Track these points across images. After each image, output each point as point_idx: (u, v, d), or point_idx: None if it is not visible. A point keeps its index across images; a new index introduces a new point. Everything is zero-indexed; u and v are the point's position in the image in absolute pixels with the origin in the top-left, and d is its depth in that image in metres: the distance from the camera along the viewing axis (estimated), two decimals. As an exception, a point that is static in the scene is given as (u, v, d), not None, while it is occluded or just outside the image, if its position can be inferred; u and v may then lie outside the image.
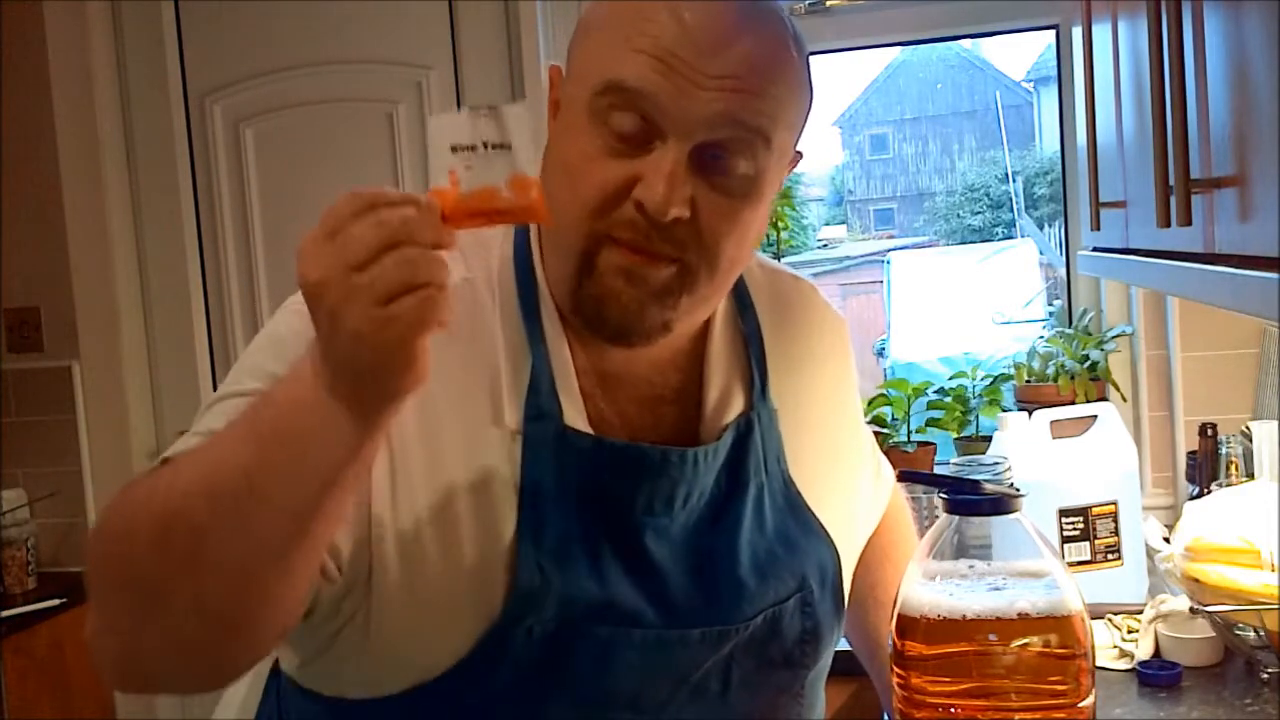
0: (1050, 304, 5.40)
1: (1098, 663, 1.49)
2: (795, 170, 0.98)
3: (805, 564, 0.99)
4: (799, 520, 1.00)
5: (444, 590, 0.87)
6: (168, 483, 0.74)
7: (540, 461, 0.88)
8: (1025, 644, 0.90)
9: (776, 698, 1.00)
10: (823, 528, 1.01)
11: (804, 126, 0.93)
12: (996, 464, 0.96)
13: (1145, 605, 1.72)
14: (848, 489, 1.09)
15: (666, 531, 0.92)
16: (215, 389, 3.28)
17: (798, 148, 0.94)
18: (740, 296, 1.03)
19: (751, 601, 0.95)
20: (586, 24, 0.89)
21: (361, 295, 0.65)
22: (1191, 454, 2.10)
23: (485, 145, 0.69)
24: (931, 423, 2.52)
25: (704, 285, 0.87)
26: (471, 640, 0.87)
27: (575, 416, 0.91)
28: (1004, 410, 2.34)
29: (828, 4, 2.54)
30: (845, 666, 1.20)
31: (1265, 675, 1.51)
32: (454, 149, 0.69)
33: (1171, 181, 1.01)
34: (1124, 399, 2.38)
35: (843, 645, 1.11)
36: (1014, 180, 10.80)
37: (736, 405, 0.98)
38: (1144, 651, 1.64)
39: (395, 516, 0.86)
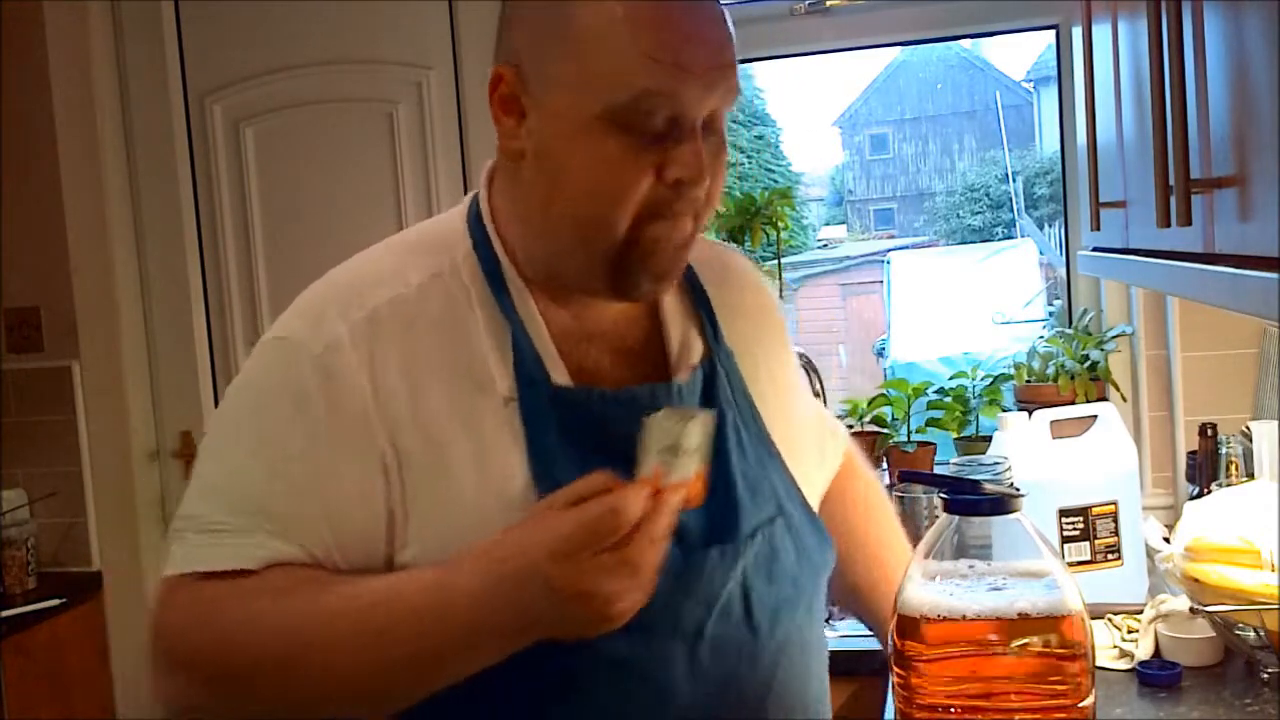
0: (1050, 304, 5.40)
1: (1098, 663, 1.49)
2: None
3: (778, 487, 1.08)
4: (769, 448, 1.09)
5: None
6: (296, 666, 0.90)
7: (541, 423, 0.96)
8: (1025, 644, 0.90)
9: (792, 617, 1.06)
10: (782, 459, 1.10)
11: None
12: (996, 464, 0.96)
13: (1145, 605, 1.72)
14: (801, 432, 1.18)
15: None
16: (215, 389, 3.25)
17: None
18: None
19: (748, 519, 1.02)
20: (569, 34, 0.93)
21: (588, 604, 0.84)
22: (1191, 454, 2.11)
23: (685, 450, 0.89)
24: (931, 423, 2.53)
25: (700, 232, 1.00)
26: None
27: (560, 377, 0.99)
28: (1004, 410, 2.34)
29: (828, 4, 2.54)
30: (846, 667, 1.20)
31: (1265, 675, 1.51)
32: (661, 450, 0.88)
33: (1171, 181, 1.01)
34: (1124, 399, 2.38)
35: (843, 645, 1.11)
36: (1014, 180, 10.79)
37: (697, 350, 1.07)
38: (1144, 651, 1.64)
39: (409, 517, 0.94)
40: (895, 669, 0.95)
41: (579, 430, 0.97)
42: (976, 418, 2.51)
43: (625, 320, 1.06)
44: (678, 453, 0.88)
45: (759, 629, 1.02)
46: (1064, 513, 1.92)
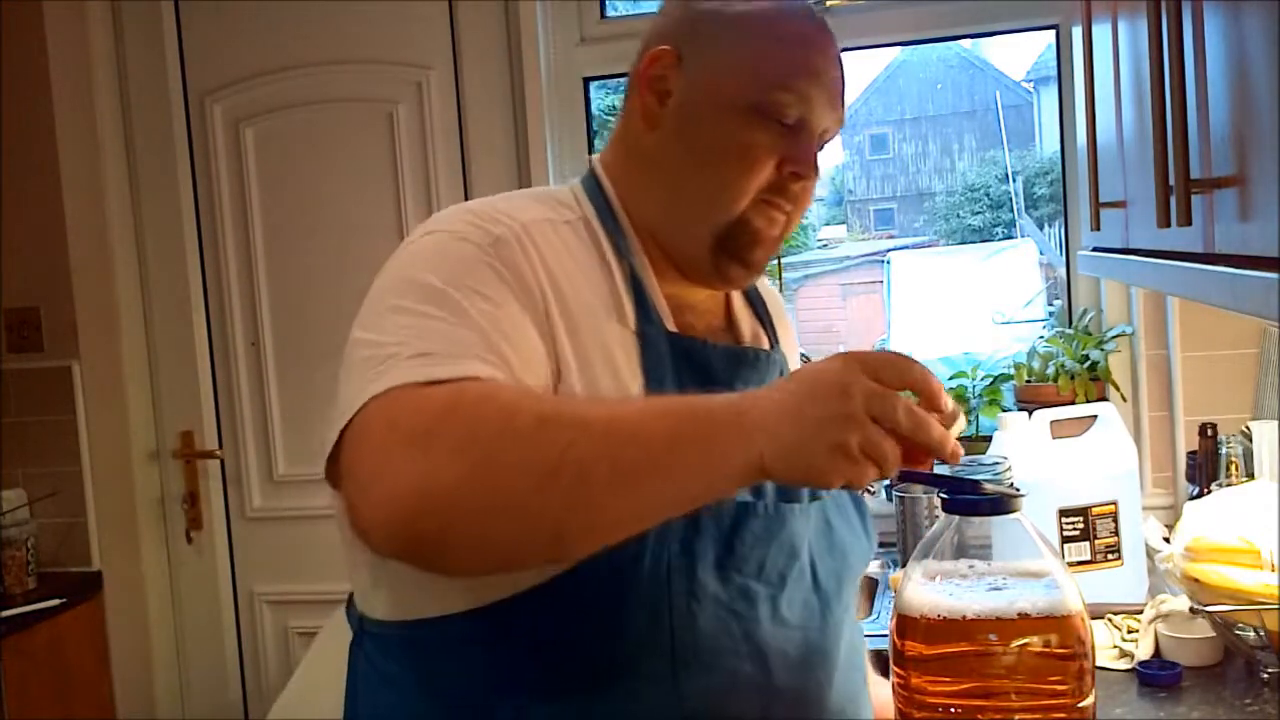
0: (1050, 304, 5.39)
1: (1098, 663, 1.49)
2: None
3: None
4: None
5: None
6: (562, 434, 0.83)
7: (656, 358, 1.05)
8: (1025, 644, 0.90)
9: (850, 589, 1.14)
10: None
11: None
12: (996, 464, 0.96)
13: (1145, 605, 1.72)
14: None
15: None
16: (215, 389, 3.24)
17: None
18: None
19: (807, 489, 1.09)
20: (737, 32, 1.07)
21: (858, 432, 0.80)
22: (1191, 454, 2.11)
23: None
24: (931, 423, 2.52)
25: (787, 234, 1.12)
26: None
27: (672, 326, 1.09)
28: (1004, 410, 2.34)
29: (828, 4, 2.54)
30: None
31: (1265, 675, 1.51)
32: None
33: (1171, 181, 1.01)
34: (1124, 399, 2.38)
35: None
36: (1014, 180, 10.77)
37: (765, 344, 1.20)
38: (1144, 651, 1.64)
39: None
40: (895, 669, 0.94)
41: (687, 373, 1.06)
42: (976, 418, 2.51)
43: (711, 299, 1.17)
44: None
45: (826, 592, 1.08)
46: (1064, 513, 1.92)
